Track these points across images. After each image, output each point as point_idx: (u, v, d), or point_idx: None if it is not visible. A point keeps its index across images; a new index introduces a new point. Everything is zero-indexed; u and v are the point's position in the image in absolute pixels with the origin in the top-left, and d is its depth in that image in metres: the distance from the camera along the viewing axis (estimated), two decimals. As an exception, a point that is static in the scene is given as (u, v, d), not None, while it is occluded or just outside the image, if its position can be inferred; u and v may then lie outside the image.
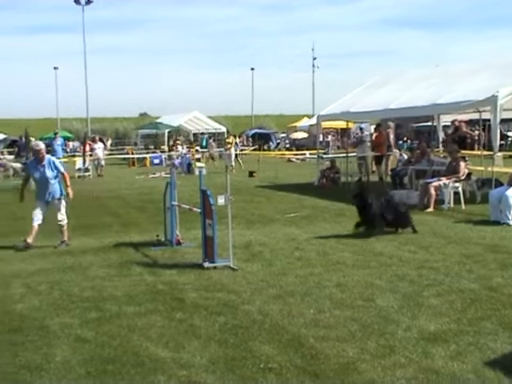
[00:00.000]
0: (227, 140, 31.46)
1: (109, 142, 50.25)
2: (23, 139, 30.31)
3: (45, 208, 10.40)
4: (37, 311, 6.37)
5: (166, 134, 44.08)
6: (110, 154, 37.99)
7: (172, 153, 33.73)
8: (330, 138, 37.71)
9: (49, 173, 10.27)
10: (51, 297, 6.92)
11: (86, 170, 28.17)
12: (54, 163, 10.38)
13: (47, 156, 10.55)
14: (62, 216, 10.43)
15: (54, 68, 71.44)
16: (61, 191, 10.45)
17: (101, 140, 34.58)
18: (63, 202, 10.49)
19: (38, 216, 10.25)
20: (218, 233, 8.14)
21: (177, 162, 29.60)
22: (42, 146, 10.67)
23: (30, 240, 9.97)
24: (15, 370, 4.73)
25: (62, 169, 10.55)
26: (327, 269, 7.86)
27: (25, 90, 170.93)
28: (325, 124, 27.45)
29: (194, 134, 48.63)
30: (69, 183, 10.53)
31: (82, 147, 31.41)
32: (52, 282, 7.62)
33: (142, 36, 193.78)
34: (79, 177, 27.53)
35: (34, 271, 8.25)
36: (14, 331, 5.73)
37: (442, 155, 18.73)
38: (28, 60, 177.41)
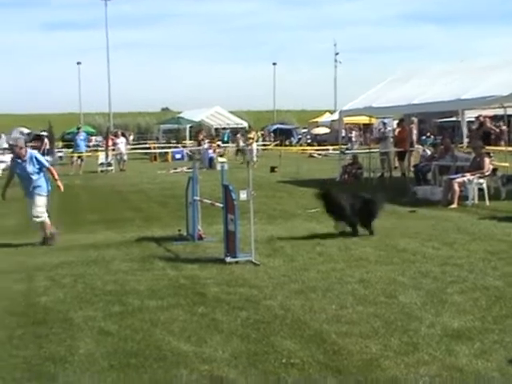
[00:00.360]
0: (249, 135, 31.46)
1: (131, 137, 50.59)
2: (47, 133, 30.63)
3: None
4: (61, 304, 6.43)
5: (188, 129, 44.22)
6: (132, 149, 38.19)
7: (195, 148, 33.80)
8: (353, 133, 37.49)
9: (30, 168, 10.04)
10: (75, 290, 6.97)
11: (109, 164, 28.37)
12: (36, 158, 10.15)
13: (30, 151, 10.35)
14: (38, 212, 10.06)
15: (77, 63, 72.00)
16: (47, 187, 10.24)
17: (123, 135, 34.83)
18: (42, 198, 10.15)
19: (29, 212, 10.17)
20: (240, 228, 8.14)
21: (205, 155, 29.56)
22: (20, 141, 10.71)
23: (48, 231, 10.04)
24: (40, 362, 4.77)
25: (46, 164, 10.35)
26: (349, 264, 7.82)
27: (48, 85, 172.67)
28: (347, 119, 27.30)
29: (216, 129, 48.72)
30: (57, 177, 10.40)
31: (104, 142, 31.62)
32: (75, 275, 7.68)
33: (164, 31, 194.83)
34: (102, 171, 27.74)
35: (58, 264, 8.32)
36: (38, 323, 5.78)
37: (465, 151, 18.55)
38: (51, 56, 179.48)
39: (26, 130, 47.06)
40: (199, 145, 33.23)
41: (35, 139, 30.76)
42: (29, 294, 6.92)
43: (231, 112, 52.56)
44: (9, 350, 5.07)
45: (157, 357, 4.82)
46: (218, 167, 24.84)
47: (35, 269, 8.13)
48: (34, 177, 10.10)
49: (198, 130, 39.53)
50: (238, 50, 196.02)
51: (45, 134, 32.81)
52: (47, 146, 29.83)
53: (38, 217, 10.06)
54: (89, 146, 36.92)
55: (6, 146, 38.17)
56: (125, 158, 30.12)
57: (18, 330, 5.56)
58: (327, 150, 33.93)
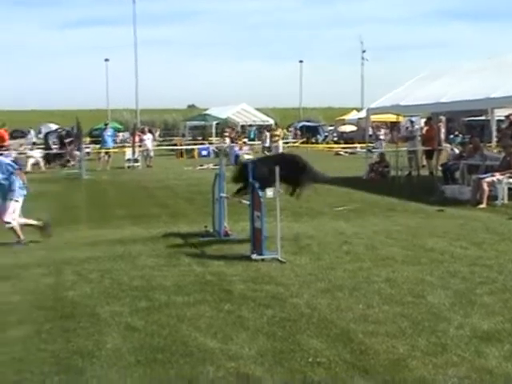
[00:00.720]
0: (275, 132, 31.39)
1: (157, 134, 50.85)
2: (75, 129, 30.92)
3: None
4: (88, 299, 6.48)
5: (214, 126, 44.32)
6: (158, 145, 38.42)
7: (221, 144, 33.86)
8: (382, 131, 37.16)
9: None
10: (101, 285, 7.02)
11: (136, 160, 28.56)
12: (5, 165, 10.00)
13: None
14: (9, 218, 9.84)
15: (105, 60, 72.51)
16: (20, 192, 9.98)
17: (150, 131, 35.03)
18: (14, 203, 9.91)
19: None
20: (266, 225, 8.12)
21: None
22: None
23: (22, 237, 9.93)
24: (68, 356, 4.81)
25: (12, 169, 10.05)
26: (376, 264, 7.75)
27: (76, 81, 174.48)
28: (374, 117, 27.09)
29: (242, 126, 48.72)
30: (25, 181, 10.22)
31: (131, 138, 31.82)
32: (102, 270, 7.73)
33: (191, 28, 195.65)
34: (128, 167, 27.94)
35: (85, 259, 8.38)
36: (65, 318, 5.83)
37: (495, 150, 18.29)
38: (80, 52, 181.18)
39: (54, 126, 47.55)
40: (232, 142, 33.30)
41: (67, 135, 31.04)
42: (56, 288, 6.98)
43: (257, 109, 52.51)
44: (37, 343, 5.12)
45: (183, 353, 4.82)
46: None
47: (62, 263, 8.21)
48: (5, 182, 9.88)
49: (225, 127, 39.63)
50: (265, 47, 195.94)
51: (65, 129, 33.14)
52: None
53: (8, 223, 9.86)
54: (116, 142, 37.18)
55: (34, 140, 38.76)
56: (151, 154, 30.30)
57: (46, 324, 5.61)
58: (355, 147, 33.71)
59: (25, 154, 29.05)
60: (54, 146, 30.56)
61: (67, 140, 30.17)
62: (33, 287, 6.99)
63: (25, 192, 10.13)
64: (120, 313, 5.90)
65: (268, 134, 34.24)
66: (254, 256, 8.01)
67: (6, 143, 28.80)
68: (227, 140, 34.38)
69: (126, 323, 5.58)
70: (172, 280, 7.15)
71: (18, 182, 9.96)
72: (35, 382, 4.34)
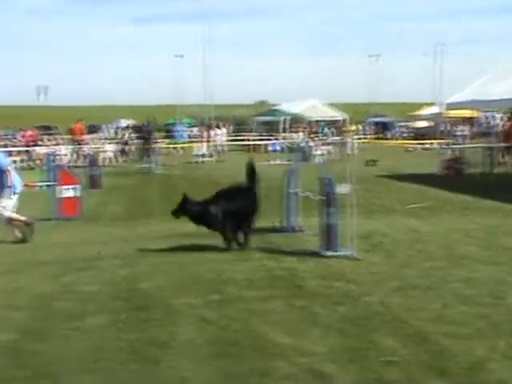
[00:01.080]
0: (347, 128, 31.11)
1: (226, 129, 51.25)
2: (148, 125, 31.56)
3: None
4: (161, 290, 6.59)
5: (282, 121, 44.25)
6: (229, 140, 38.68)
7: (292, 140, 33.84)
8: (458, 127, 36.15)
9: None
10: (174, 277, 7.13)
11: (207, 155, 28.91)
12: None
13: None
14: (1, 211, 9.96)
15: (176, 56, 73.25)
16: (11, 189, 9.99)
17: (220, 126, 35.34)
18: (5, 200, 9.95)
19: None
20: (338, 222, 8.04)
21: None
22: None
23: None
24: (143, 346, 4.90)
25: (2, 166, 10.07)
26: (451, 263, 7.53)
27: (148, 76, 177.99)
28: (450, 113, 26.38)
29: (312, 122, 48.44)
30: (12, 178, 10.12)
31: (203, 133, 32.25)
32: (175, 263, 7.85)
33: (261, 24, 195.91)
34: (199, 162, 28.31)
35: (158, 251, 8.54)
36: (140, 308, 5.94)
37: None
38: (151, 48, 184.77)
39: (129, 122, 48.69)
40: (306, 137, 33.21)
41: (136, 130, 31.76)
42: (132, 279, 7.13)
43: (328, 104, 52.08)
44: (114, 333, 5.24)
45: (255, 347, 4.83)
46: (316, 160, 24.85)
47: (136, 255, 8.39)
48: None
49: (295, 123, 39.56)
50: (336, 41, 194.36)
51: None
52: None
53: (1, 214, 9.99)
54: (188, 137, 37.72)
55: (112, 135, 39.76)
56: (223, 149, 30.58)
57: (121, 314, 5.74)
58: (432, 143, 32.91)
59: (99, 148, 29.87)
60: (131, 141, 31.25)
61: (146, 135, 30.82)
62: (109, 278, 7.16)
63: (16, 189, 10.08)
64: (193, 305, 5.97)
65: (334, 130, 34.01)
66: (327, 252, 7.94)
67: (83, 137, 29.76)
68: (300, 135, 34.27)
69: (200, 315, 5.63)
70: (243, 274, 7.19)
71: (9, 180, 9.98)
72: (112, 370, 4.44)
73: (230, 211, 8.55)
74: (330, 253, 7.92)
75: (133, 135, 31.43)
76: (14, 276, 7.48)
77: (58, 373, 4.35)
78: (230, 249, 8.53)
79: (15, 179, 10.13)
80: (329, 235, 8.06)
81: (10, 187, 9.95)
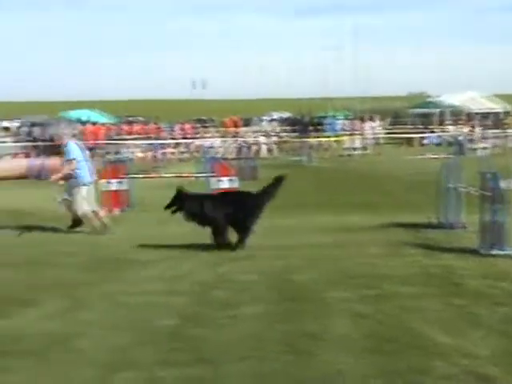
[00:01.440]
0: (505, 121, 29.36)
1: (383, 121, 50.24)
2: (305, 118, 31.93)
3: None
4: (314, 283, 6.60)
5: (439, 113, 42.61)
6: (386, 133, 37.91)
7: (451, 133, 32.56)
8: None
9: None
10: (328, 270, 7.12)
11: (360, 148, 28.62)
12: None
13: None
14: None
15: (326, 49, 72.99)
16: (81, 179, 10.44)
17: (373, 119, 34.81)
18: (77, 189, 10.46)
19: None
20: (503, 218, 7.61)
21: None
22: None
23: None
24: (296, 337, 4.93)
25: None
26: None
27: (297, 70, 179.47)
28: None
29: (469, 114, 46.14)
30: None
31: (357, 126, 31.94)
32: (328, 256, 7.85)
33: (421, 15, 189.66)
34: (348, 155, 28.09)
35: (312, 244, 8.59)
36: (292, 300, 5.98)
37: None
38: (300, 41, 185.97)
39: (281, 115, 49.45)
40: (469, 130, 31.89)
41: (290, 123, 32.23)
42: (285, 271, 7.21)
43: (492, 96, 49.28)
44: (268, 323, 5.31)
45: (411, 345, 4.68)
46: (478, 153, 23.65)
47: (289, 248, 8.47)
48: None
49: (452, 116, 38.00)
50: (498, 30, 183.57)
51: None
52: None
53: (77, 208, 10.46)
54: (343, 130, 37.51)
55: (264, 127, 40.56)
56: (377, 142, 30.13)
57: (275, 304, 5.82)
58: None
59: (254, 141, 30.58)
60: (285, 134, 31.73)
61: (302, 128, 31.17)
62: (266, 268, 7.30)
63: (84, 181, 10.42)
64: (347, 299, 5.93)
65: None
66: (493, 251, 7.54)
67: (237, 129, 30.74)
68: (464, 129, 32.88)
69: (354, 309, 5.58)
70: (396, 270, 7.03)
71: (77, 172, 10.37)
72: (269, 360, 4.51)
73: (224, 210, 8.42)
74: (495, 251, 7.51)
75: (287, 128, 31.88)
76: (174, 262, 7.85)
77: (217, 359, 4.49)
78: (218, 245, 8.40)
79: (84, 171, 10.48)
80: (494, 233, 7.63)
81: (77, 178, 10.38)
